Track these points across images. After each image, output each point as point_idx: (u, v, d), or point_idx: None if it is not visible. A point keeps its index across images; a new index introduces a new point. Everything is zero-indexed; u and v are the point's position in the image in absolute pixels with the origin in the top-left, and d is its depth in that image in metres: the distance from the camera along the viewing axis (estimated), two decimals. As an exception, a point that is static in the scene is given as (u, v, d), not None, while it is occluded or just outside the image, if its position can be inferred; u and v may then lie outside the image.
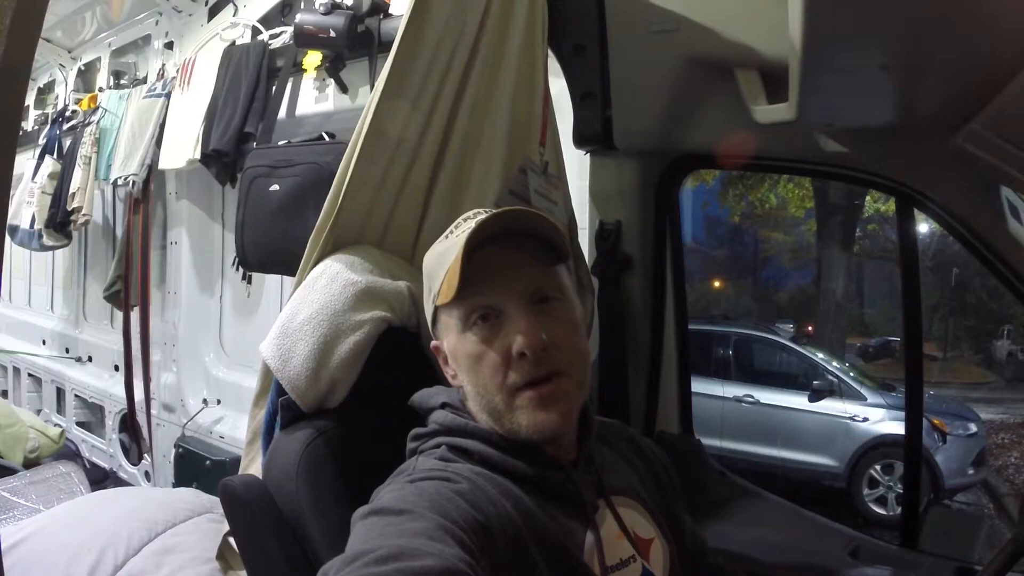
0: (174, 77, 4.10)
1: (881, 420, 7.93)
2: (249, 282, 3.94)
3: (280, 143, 3.18)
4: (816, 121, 1.87)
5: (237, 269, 3.43)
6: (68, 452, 4.72)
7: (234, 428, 3.95)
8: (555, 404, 1.18)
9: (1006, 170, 1.60)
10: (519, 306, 1.19)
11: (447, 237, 1.30)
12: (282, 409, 1.53)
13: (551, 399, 1.18)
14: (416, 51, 1.72)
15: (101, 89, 5.01)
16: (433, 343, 1.34)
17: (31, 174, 5.12)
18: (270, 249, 2.93)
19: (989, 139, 1.54)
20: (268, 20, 3.69)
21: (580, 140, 2.33)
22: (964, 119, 1.54)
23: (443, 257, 1.25)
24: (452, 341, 1.26)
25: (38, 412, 5.62)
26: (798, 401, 8.32)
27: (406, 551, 0.93)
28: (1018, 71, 1.31)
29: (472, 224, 1.24)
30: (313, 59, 3.27)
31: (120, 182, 4.33)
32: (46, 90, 5.96)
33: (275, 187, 2.92)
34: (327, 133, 3.06)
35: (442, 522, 1.01)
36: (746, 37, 1.90)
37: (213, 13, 4.05)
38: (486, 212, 1.30)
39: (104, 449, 5.17)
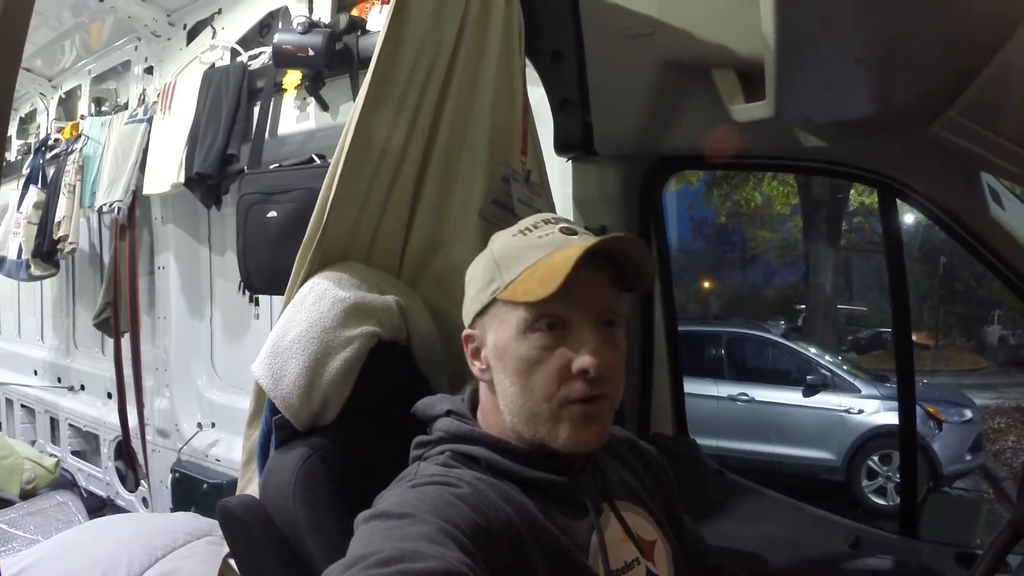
0: (155, 102, 4.09)
1: (876, 411, 7.96)
2: (257, 304, 3.94)
3: (271, 167, 3.18)
4: (794, 117, 1.88)
5: (244, 293, 3.43)
6: (64, 482, 4.69)
7: (229, 450, 3.94)
8: (597, 424, 1.19)
9: (985, 156, 1.61)
10: (591, 323, 1.19)
11: (524, 233, 1.28)
12: (276, 428, 1.53)
13: (596, 418, 1.18)
14: (395, 65, 1.73)
15: (83, 116, 5.00)
16: (466, 332, 1.32)
17: (16, 204, 5.10)
18: (275, 272, 2.90)
19: (966, 126, 1.55)
20: (247, 41, 3.70)
21: (561, 147, 2.34)
22: (941, 108, 1.55)
23: (523, 253, 1.23)
24: (505, 337, 1.22)
25: (32, 443, 5.59)
26: (792, 397, 8.34)
27: (407, 554, 0.94)
28: (990, 58, 1.32)
29: (554, 229, 1.25)
30: (293, 78, 3.28)
31: (105, 209, 4.32)
32: (28, 120, 5.94)
33: (272, 214, 2.93)
34: (317, 155, 3.06)
35: (443, 526, 1.01)
36: (721, 37, 1.91)
37: (192, 36, 4.06)
38: (566, 220, 1.30)
39: (100, 477, 5.15)
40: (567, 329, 1.18)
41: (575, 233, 1.24)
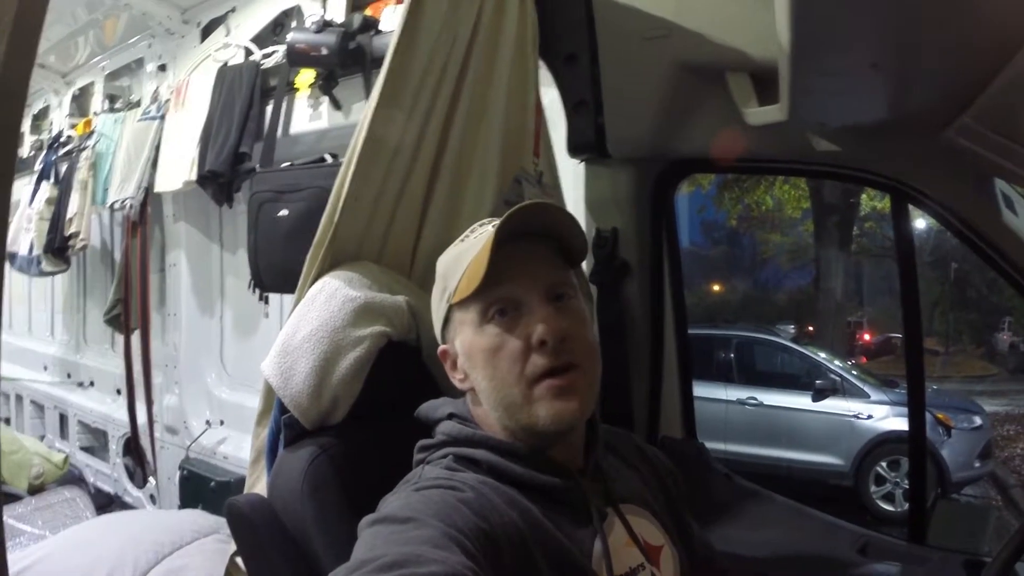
0: (168, 99, 4.11)
1: (885, 417, 7.94)
2: (267, 303, 3.95)
3: (283, 165, 3.19)
4: (808, 121, 1.87)
5: (254, 291, 3.44)
6: (72, 477, 4.70)
7: (238, 448, 3.94)
8: (573, 394, 1.18)
9: (999, 162, 1.60)
10: (538, 299, 1.20)
11: (462, 241, 1.32)
12: (285, 427, 1.53)
13: (570, 390, 1.18)
14: (408, 65, 1.73)
15: (96, 113, 5.02)
16: (440, 348, 1.34)
17: (28, 200, 5.12)
18: (286, 271, 2.91)
19: (980, 132, 1.55)
20: (260, 40, 3.71)
21: (574, 149, 2.34)
22: (955, 113, 1.54)
23: (461, 257, 1.26)
24: (467, 337, 1.25)
25: (41, 438, 5.60)
26: (801, 401, 8.33)
27: (411, 558, 0.94)
28: (1006, 63, 1.32)
29: (488, 228, 1.27)
30: (306, 77, 3.28)
31: (117, 206, 4.33)
32: (41, 116, 5.96)
33: (284, 212, 2.94)
34: (330, 154, 3.07)
35: (447, 530, 1.01)
36: (735, 41, 1.90)
37: (206, 34, 4.07)
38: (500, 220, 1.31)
39: (108, 473, 5.16)
40: (519, 311, 1.21)
41: None
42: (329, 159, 3.04)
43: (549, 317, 1.18)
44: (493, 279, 1.18)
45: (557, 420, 1.18)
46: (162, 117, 4.10)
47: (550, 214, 1.26)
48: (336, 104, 3.24)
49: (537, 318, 1.18)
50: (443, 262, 1.33)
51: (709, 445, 2.43)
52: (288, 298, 2.45)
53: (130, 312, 4.49)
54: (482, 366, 1.23)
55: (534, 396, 1.18)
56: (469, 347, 1.25)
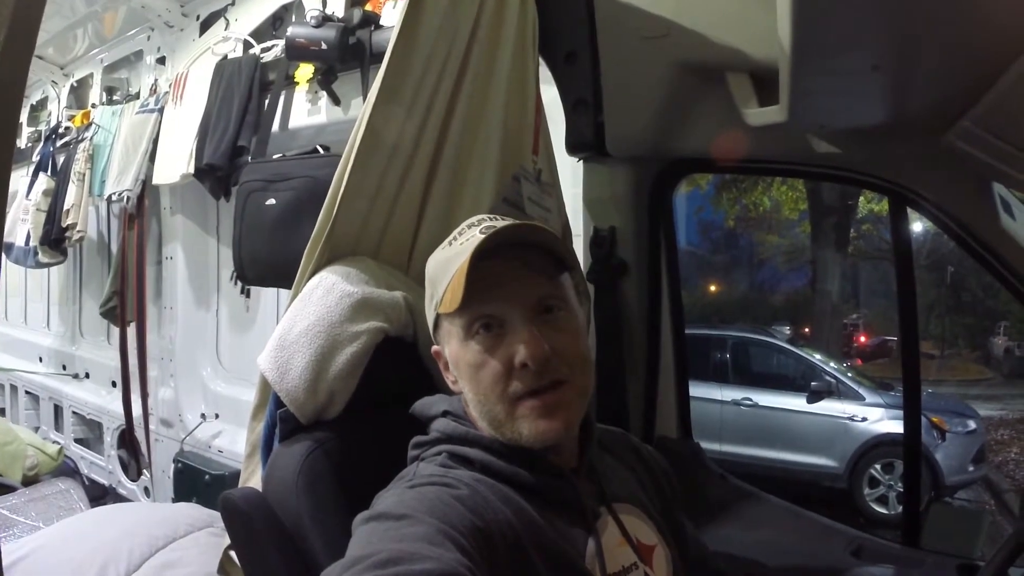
0: (167, 92, 4.10)
1: (880, 419, 7.93)
2: (248, 296, 3.95)
3: (275, 157, 3.18)
4: (808, 123, 1.87)
5: (236, 283, 3.43)
6: (67, 469, 4.70)
7: (233, 442, 3.94)
8: (558, 413, 1.18)
9: (998, 166, 1.60)
10: (522, 316, 1.19)
11: (450, 244, 1.30)
12: (281, 421, 1.53)
13: (554, 408, 1.18)
14: (408, 61, 1.73)
15: (94, 105, 5.02)
16: (434, 348, 1.34)
17: (25, 191, 5.12)
18: (269, 263, 2.91)
19: (980, 136, 1.54)
20: (260, 34, 3.71)
21: (573, 147, 2.33)
22: (955, 117, 1.54)
23: (447, 264, 1.25)
24: (454, 349, 1.26)
25: (36, 429, 5.62)
26: (796, 403, 8.32)
27: (406, 555, 0.94)
28: (1007, 67, 1.32)
29: (476, 232, 1.25)
30: (305, 72, 3.28)
31: (114, 198, 4.34)
32: (39, 107, 5.96)
33: (271, 201, 2.91)
34: (321, 146, 3.06)
35: (442, 527, 1.01)
36: (736, 41, 1.90)
37: (205, 27, 4.07)
38: (490, 219, 1.30)
39: (103, 465, 5.16)
40: (503, 327, 1.20)
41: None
42: (321, 151, 3.03)
43: (532, 339, 1.17)
44: (476, 295, 1.17)
45: (540, 439, 1.18)
46: (160, 110, 4.10)
47: (531, 231, 1.26)
48: (335, 99, 3.23)
49: (520, 338, 1.18)
50: (431, 266, 1.33)
51: (704, 445, 2.42)
52: (284, 292, 2.44)
53: (126, 304, 4.49)
54: (467, 379, 1.24)
55: (517, 414, 1.19)
56: (455, 358, 1.26)
